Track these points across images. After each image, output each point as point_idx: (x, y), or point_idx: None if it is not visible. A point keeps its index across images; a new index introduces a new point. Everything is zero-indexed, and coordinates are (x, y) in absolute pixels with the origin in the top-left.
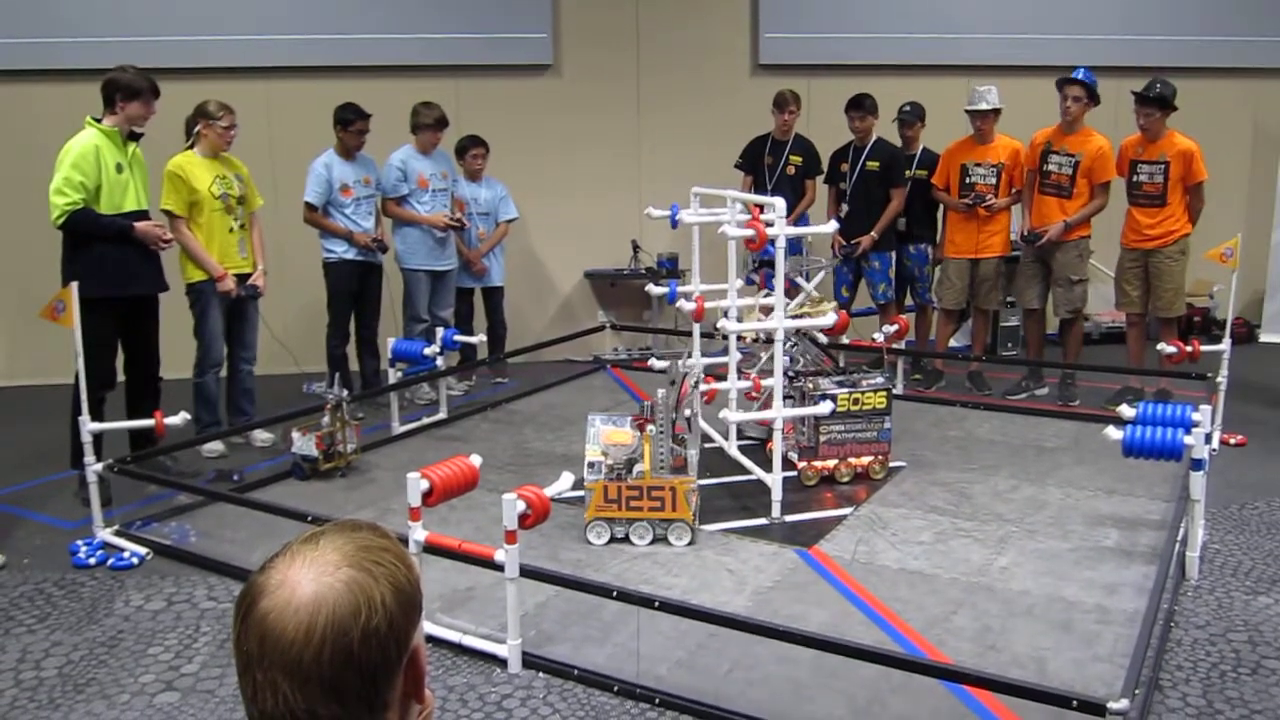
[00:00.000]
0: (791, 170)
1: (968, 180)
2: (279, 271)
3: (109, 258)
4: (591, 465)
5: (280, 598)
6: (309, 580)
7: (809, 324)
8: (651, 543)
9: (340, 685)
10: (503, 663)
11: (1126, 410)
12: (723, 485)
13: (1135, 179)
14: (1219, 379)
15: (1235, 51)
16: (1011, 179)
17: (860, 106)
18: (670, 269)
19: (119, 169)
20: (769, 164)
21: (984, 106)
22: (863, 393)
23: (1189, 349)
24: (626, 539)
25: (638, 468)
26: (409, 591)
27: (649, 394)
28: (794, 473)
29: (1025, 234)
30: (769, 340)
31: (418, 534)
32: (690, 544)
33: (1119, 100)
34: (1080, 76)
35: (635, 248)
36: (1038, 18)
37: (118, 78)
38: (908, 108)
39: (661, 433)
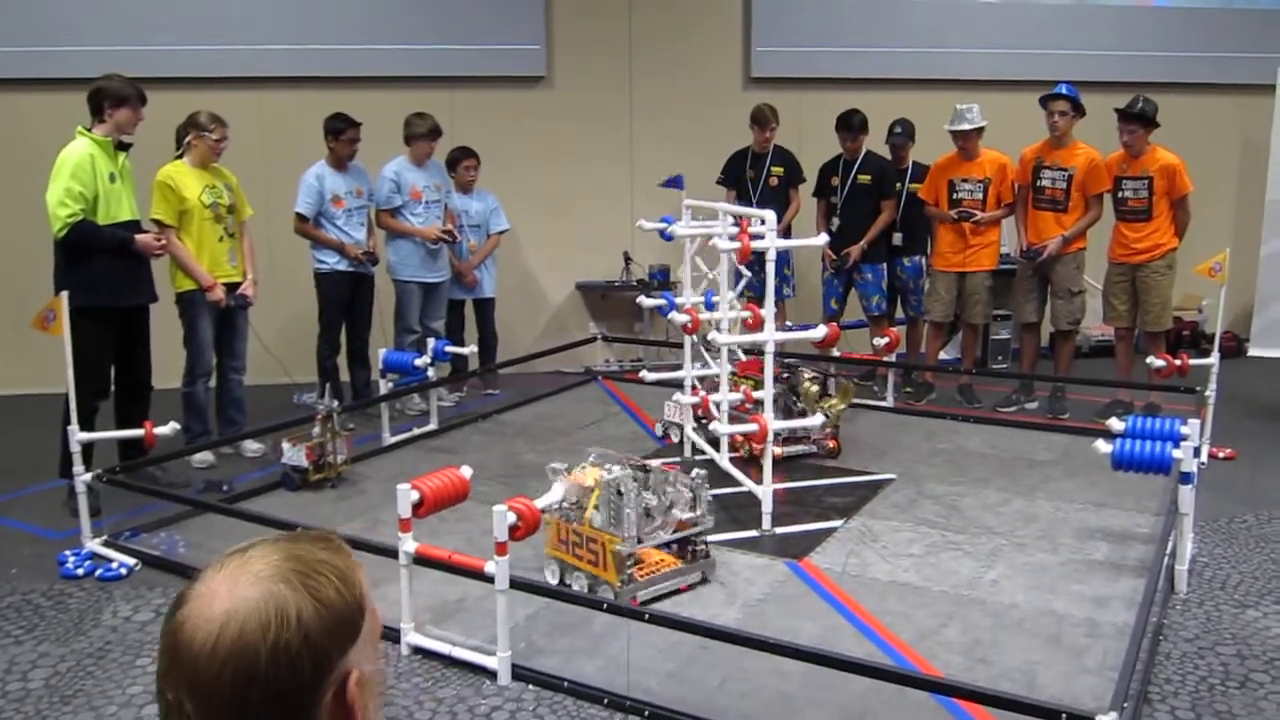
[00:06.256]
0: (774, 182)
1: (955, 195)
2: (270, 282)
3: (106, 268)
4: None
5: (196, 608)
6: (225, 591)
7: (801, 336)
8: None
9: (246, 708)
10: (492, 675)
11: (1116, 424)
12: (713, 497)
13: (1120, 194)
14: (1208, 393)
15: (1222, 68)
16: (999, 194)
17: (849, 127)
18: (662, 281)
19: (111, 178)
20: (751, 178)
21: (965, 126)
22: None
23: (1178, 363)
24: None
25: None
26: (339, 609)
27: (640, 406)
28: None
29: (1024, 250)
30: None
31: (408, 545)
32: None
33: (1107, 116)
34: (1063, 91)
35: (627, 259)
36: (1026, 33)
37: (105, 86)
38: (898, 129)
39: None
